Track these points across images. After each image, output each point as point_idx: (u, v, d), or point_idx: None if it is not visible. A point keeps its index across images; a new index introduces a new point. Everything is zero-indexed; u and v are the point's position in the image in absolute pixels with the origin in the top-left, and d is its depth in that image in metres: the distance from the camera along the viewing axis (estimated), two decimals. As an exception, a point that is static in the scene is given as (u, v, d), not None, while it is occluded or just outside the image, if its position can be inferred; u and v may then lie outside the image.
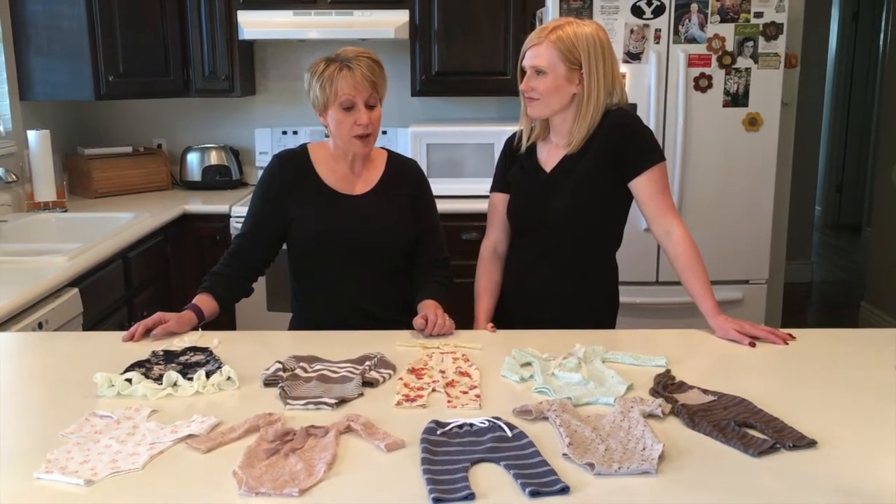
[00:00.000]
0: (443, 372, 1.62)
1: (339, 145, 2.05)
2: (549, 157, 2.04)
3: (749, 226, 3.47)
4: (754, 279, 3.50)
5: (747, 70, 3.33)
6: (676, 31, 3.30)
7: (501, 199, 2.13)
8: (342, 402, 1.47)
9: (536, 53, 1.94)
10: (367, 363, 1.64)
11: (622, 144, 1.97)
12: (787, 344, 1.79)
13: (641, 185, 1.98)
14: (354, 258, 2.04)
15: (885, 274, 4.55)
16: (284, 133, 4.09)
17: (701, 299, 1.92)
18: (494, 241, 2.16)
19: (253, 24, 3.69)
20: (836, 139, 7.51)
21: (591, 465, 1.21)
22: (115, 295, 2.88)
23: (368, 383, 1.56)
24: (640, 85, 3.33)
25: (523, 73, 1.99)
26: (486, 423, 1.34)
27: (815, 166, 5.98)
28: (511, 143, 2.13)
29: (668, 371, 1.61)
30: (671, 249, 1.97)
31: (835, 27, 7.15)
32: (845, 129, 7.50)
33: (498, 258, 2.15)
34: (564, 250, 2.03)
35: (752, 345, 1.78)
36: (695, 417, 1.38)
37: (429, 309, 1.90)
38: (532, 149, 2.07)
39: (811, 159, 5.76)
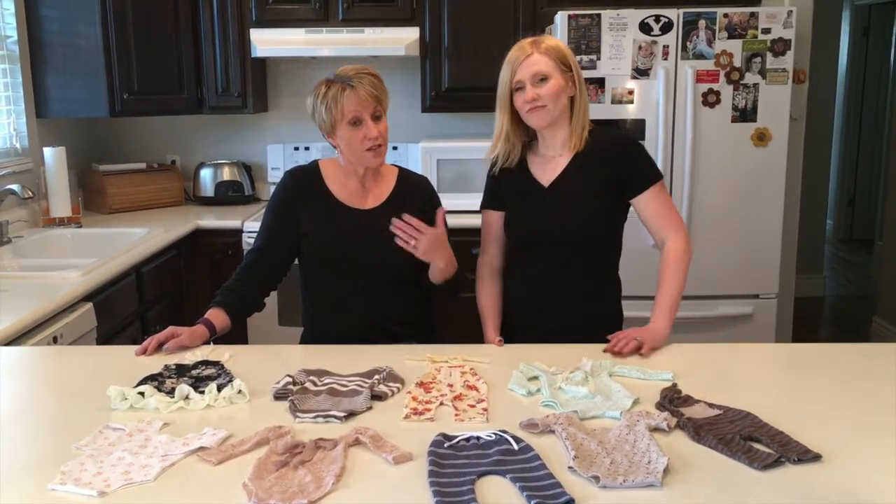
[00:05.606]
0: (451, 385, 1.64)
1: (351, 161, 2.07)
2: (545, 171, 2.05)
3: (759, 240, 3.46)
4: (765, 294, 3.50)
5: (755, 85, 3.34)
6: (684, 48, 3.32)
7: (495, 216, 2.14)
8: (351, 415, 1.49)
9: (534, 62, 1.96)
10: (376, 377, 1.65)
11: (622, 165, 2.01)
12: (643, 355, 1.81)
13: (643, 204, 2.02)
14: (364, 272, 2.06)
15: (897, 288, 4.53)
16: (296, 149, 4.13)
17: (657, 300, 1.98)
18: (491, 257, 2.17)
19: (265, 42, 3.73)
20: (847, 153, 7.49)
21: (597, 478, 1.22)
22: (128, 309, 2.91)
23: (377, 397, 1.58)
24: (648, 101, 3.36)
25: (515, 89, 1.97)
26: (493, 436, 1.36)
27: (826, 180, 5.97)
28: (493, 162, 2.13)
29: (674, 385, 1.62)
30: (661, 258, 2.03)
31: (845, 42, 7.15)
32: (857, 142, 7.48)
33: (496, 273, 2.16)
34: (567, 264, 2.04)
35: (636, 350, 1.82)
36: (700, 431, 1.39)
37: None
38: (523, 164, 2.08)
39: (822, 173, 5.75)
